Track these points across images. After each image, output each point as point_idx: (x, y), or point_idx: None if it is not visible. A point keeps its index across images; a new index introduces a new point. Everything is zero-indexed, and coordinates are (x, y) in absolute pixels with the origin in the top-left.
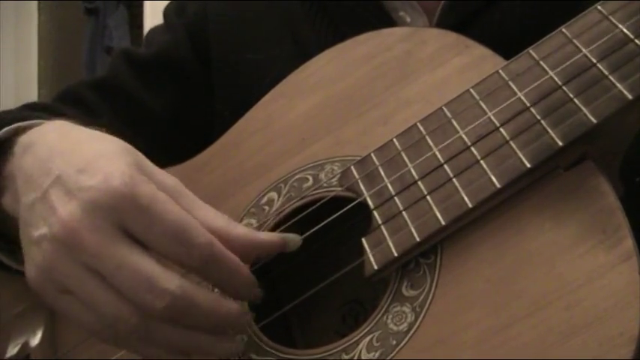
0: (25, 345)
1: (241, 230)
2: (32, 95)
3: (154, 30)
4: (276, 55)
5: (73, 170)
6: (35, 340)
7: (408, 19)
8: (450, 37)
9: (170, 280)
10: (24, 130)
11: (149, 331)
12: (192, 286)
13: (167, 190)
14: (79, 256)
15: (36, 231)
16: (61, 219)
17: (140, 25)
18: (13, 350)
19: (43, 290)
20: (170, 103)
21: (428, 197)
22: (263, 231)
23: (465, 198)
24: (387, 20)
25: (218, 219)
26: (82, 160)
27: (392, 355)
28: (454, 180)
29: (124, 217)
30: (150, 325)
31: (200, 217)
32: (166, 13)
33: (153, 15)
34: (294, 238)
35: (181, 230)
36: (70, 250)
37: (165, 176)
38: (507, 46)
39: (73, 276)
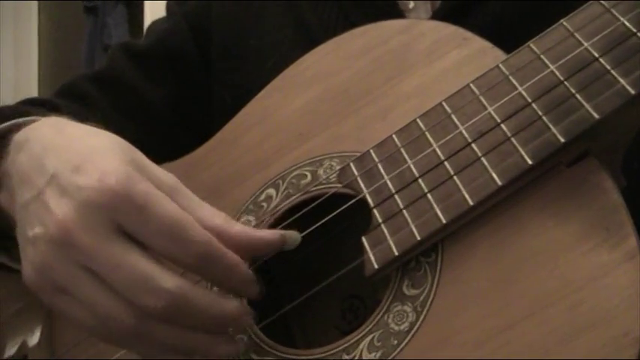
0: (23, 345)
1: (239, 228)
2: (32, 94)
3: (155, 22)
4: (279, 40)
5: (68, 169)
6: (33, 339)
7: (412, 5)
8: (448, 29)
9: (168, 279)
10: (19, 127)
11: (148, 331)
12: (190, 285)
13: (164, 188)
14: (75, 256)
15: (31, 230)
16: (56, 219)
17: (139, 24)
18: (11, 350)
19: (40, 290)
20: (169, 93)
21: (428, 195)
22: (261, 229)
23: (466, 196)
24: (390, 4)
25: (215, 217)
26: (76, 158)
27: (393, 355)
28: (455, 178)
29: (120, 216)
30: (148, 325)
31: (197, 215)
32: (168, 3)
33: (152, 14)
34: (293, 236)
35: (178, 228)
36: (65, 251)
37: (163, 174)
38: (508, 34)
39: (70, 276)
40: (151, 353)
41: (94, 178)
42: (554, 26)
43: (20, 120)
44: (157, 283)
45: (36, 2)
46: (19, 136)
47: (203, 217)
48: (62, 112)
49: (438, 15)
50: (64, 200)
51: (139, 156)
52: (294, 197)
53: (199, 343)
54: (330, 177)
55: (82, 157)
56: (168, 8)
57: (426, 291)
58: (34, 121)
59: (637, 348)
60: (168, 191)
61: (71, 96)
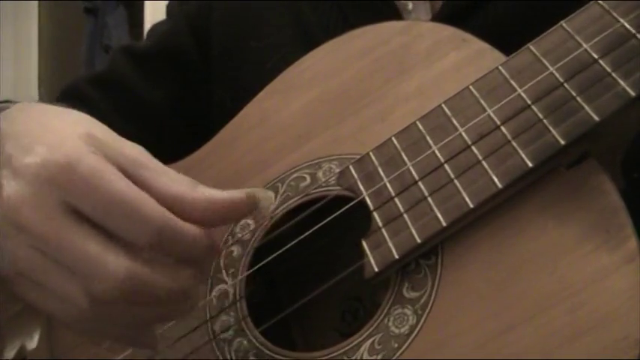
0: (22, 348)
1: (201, 191)
2: (32, 94)
3: (157, 24)
4: (279, 41)
5: (21, 149)
6: (32, 343)
7: (410, 6)
8: (447, 30)
9: (116, 261)
10: None
11: (104, 314)
12: (140, 265)
13: (124, 162)
14: (25, 236)
15: None
16: (5, 198)
17: (139, 25)
18: (9, 354)
19: (3, 277)
20: (169, 94)
21: (428, 198)
22: (260, 231)
23: (466, 198)
24: (390, 5)
25: (177, 183)
26: (31, 138)
27: (394, 357)
28: (455, 180)
29: (67, 192)
30: (103, 308)
31: (158, 184)
32: (169, 4)
33: (153, 14)
34: (265, 193)
35: (126, 205)
36: (16, 230)
37: (126, 147)
38: (509, 36)
39: (22, 258)
40: (112, 333)
41: (40, 154)
42: (553, 28)
43: None
44: (103, 266)
45: (36, 2)
46: None
47: (165, 186)
48: None
49: (438, 17)
50: (14, 179)
51: (98, 129)
52: (293, 200)
53: (159, 316)
54: (330, 179)
55: (36, 136)
56: (169, 9)
57: (426, 294)
58: (7, 107)
59: (637, 350)
60: (129, 165)
61: (72, 98)
